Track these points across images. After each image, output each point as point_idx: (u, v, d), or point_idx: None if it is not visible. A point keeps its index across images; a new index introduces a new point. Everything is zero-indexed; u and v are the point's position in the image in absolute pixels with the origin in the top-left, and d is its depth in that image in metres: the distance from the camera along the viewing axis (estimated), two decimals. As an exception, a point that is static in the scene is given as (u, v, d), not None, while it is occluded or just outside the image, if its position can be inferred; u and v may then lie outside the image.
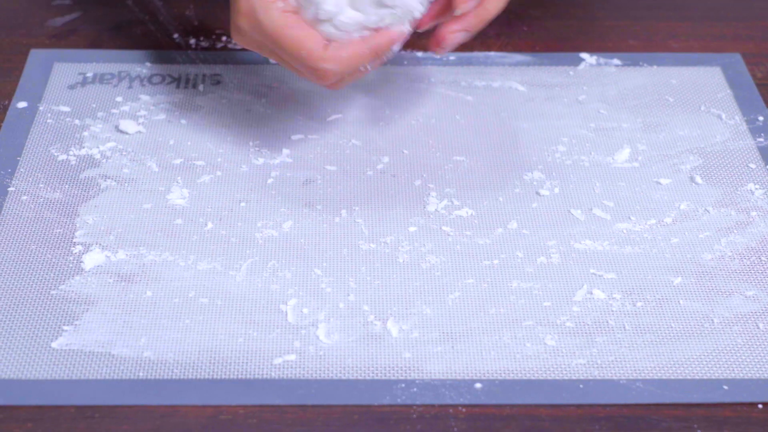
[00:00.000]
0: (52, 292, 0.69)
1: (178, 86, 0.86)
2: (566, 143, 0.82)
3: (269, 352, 0.66)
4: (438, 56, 0.86)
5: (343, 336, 0.67)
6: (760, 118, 0.84)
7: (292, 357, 0.65)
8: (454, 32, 0.73)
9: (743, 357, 0.66)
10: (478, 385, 0.64)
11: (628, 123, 0.84)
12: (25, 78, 0.87)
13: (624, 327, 0.68)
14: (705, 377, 0.65)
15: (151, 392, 0.63)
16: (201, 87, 0.86)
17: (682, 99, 0.87)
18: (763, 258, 0.73)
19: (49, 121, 0.82)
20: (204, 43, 0.91)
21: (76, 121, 0.82)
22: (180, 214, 0.75)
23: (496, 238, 0.74)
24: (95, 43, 0.91)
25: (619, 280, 0.71)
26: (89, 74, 0.87)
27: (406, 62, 0.89)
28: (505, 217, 0.75)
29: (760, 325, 0.68)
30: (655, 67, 0.90)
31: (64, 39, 0.92)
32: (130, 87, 0.86)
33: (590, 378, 0.65)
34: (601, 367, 0.65)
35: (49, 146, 0.80)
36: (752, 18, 0.97)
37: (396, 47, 0.73)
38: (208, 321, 0.67)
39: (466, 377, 0.64)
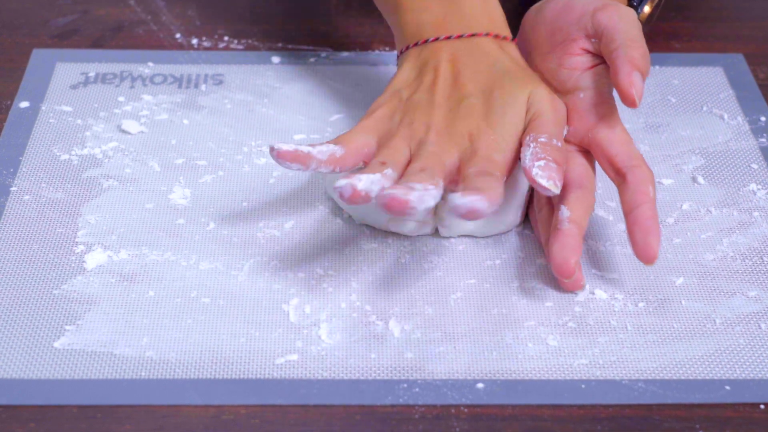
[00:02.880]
0: (54, 291, 0.69)
1: (180, 86, 0.86)
2: (568, 143, 0.82)
3: (271, 351, 0.66)
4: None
5: (345, 336, 0.67)
6: (762, 119, 0.84)
7: (294, 357, 0.65)
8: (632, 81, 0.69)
9: (745, 357, 0.66)
10: (480, 386, 0.64)
11: (630, 123, 0.84)
12: (28, 78, 0.87)
13: (626, 327, 0.68)
14: (707, 377, 0.65)
15: (153, 392, 0.63)
16: (203, 87, 0.86)
17: (684, 99, 0.87)
18: (765, 258, 0.73)
19: (51, 120, 0.82)
20: (206, 43, 0.91)
21: (79, 121, 0.82)
22: (182, 214, 0.75)
23: (497, 237, 0.74)
24: (97, 43, 0.91)
25: (621, 280, 0.71)
26: (91, 74, 0.87)
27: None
28: (507, 218, 0.75)
29: (762, 326, 0.68)
30: (657, 67, 0.90)
31: (67, 39, 0.92)
32: (132, 87, 0.86)
33: (592, 378, 0.65)
34: (603, 368, 0.65)
35: (51, 146, 0.80)
36: (754, 18, 0.97)
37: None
38: (210, 321, 0.67)
39: (468, 377, 0.64)
